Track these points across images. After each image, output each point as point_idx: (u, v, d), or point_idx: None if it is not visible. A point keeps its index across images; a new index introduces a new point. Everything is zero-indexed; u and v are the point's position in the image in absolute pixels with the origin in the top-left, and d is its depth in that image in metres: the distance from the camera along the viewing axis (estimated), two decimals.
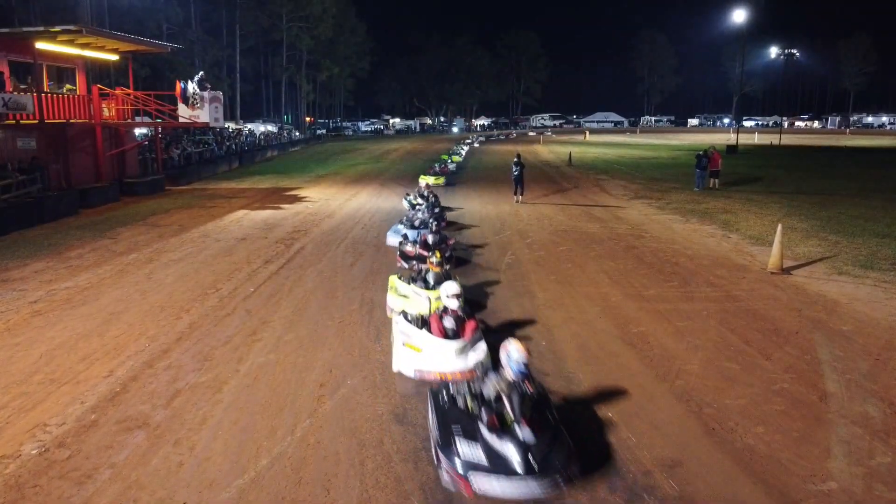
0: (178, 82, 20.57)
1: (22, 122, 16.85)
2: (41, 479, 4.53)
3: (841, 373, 6.32)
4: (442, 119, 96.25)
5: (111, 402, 5.74)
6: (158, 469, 4.67)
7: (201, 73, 21.99)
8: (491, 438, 4.45)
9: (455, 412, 4.83)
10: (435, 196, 15.64)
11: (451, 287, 6.72)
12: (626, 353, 6.94)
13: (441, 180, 23.75)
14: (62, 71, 20.11)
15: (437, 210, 14.49)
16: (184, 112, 20.21)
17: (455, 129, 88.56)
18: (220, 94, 21.14)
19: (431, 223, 11.87)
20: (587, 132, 71.28)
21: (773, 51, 66.72)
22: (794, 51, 63.76)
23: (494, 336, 7.36)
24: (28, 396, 5.84)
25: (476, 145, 51.46)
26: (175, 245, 12.68)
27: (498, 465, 4.29)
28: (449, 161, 30.67)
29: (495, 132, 71.71)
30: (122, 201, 19.06)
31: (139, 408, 5.63)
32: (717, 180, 21.99)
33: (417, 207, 14.56)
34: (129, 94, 21.20)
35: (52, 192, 16.79)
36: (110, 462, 4.75)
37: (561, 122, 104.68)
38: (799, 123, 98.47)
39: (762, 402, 5.70)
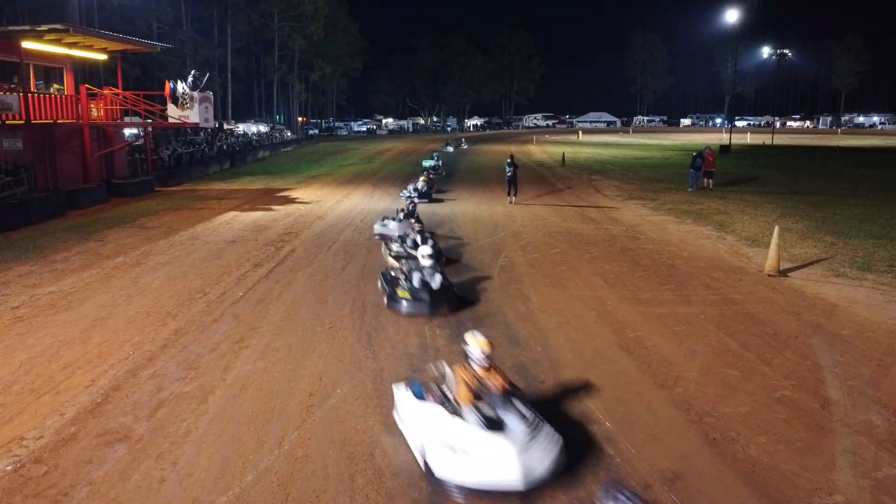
0: (167, 82, 20.30)
1: (8, 122, 16.57)
2: (15, 497, 4.33)
3: (843, 379, 6.19)
4: (435, 119, 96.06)
5: (92, 413, 5.54)
6: (139, 486, 4.47)
7: (194, 71, 21.69)
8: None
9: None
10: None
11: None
12: (623, 359, 6.79)
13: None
14: (49, 70, 19.80)
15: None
16: (173, 112, 19.95)
17: (450, 130, 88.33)
18: (210, 93, 20.88)
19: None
20: (580, 132, 71.35)
21: (766, 51, 66.84)
22: (786, 51, 63.83)
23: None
24: (5, 408, 5.63)
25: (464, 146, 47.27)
26: (163, 248, 12.45)
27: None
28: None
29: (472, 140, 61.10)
30: (110, 202, 18.77)
31: (121, 420, 5.42)
32: (711, 180, 21.93)
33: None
34: (117, 94, 20.91)
35: (38, 194, 16.53)
36: (89, 478, 4.55)
37: (554, 121, 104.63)
38: (791, 123, 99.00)
39: (763, 411, 5.56)
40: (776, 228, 10.66)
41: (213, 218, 16.13)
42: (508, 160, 19.06)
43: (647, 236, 13.61)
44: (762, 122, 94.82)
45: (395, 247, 11.27)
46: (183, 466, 4.70)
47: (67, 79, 20.08)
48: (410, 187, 19.85)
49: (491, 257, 11.67)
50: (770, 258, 10.34)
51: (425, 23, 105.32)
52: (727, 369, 6.47)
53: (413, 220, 12.26)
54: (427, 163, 28.58)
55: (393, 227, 12.98)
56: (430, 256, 8.84)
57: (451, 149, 43.37)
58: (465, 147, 47.26)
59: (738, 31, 54.70)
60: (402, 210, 13.82)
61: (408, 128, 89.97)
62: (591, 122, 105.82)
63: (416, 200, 17.76)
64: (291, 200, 19.69)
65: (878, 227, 14.29)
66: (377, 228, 13.39)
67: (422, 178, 20.36)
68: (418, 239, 10.92)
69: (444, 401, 4.88)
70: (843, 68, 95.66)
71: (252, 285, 9.68)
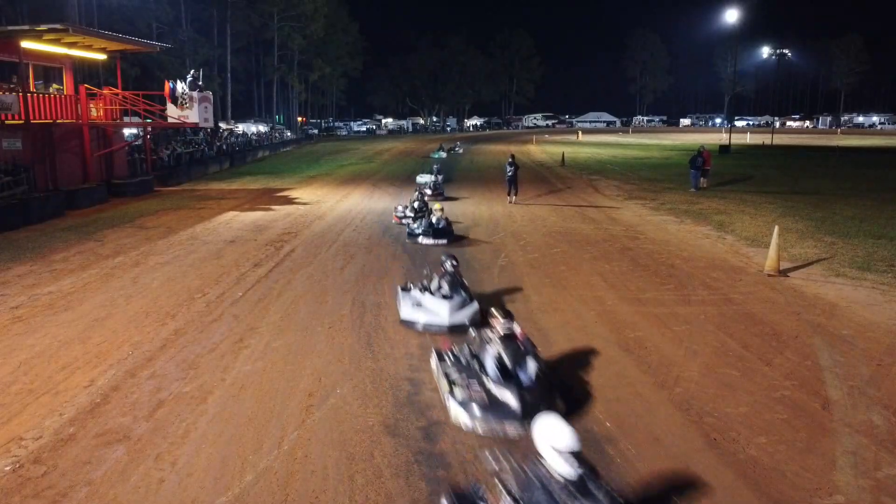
0: (166, 82, 20.31)
1: (7, 122, 16.56)
2: (13, 497, 4.32)
3: (843, 379, 6.18)
4: (435, 119, 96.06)
5: (91, 413, 5.52)
6: (138, 486, 4.46)
7: (193, 71, 21.69)
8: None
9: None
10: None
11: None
12: (623, 360, 6.78)
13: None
14: (49, 70, 19.79)
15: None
16: (173, 112, 19.96)
17: (450, 130, 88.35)
18: (209, 93, 20.89)
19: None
20: (580, 132, 71.37)
21: (765, 51, 66.80)
22: (785, 51, 63.81)
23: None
24: (4, 408, 5.62)
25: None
26: (162, 248, 12.44)
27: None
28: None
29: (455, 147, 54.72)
30: (110, 202, 18.75)
31: (120, 420, 5.41)
32: (706, 179, 22.03)
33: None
34: (117, 94, 20.91)
35: (37, 194, 16.51)
36: (88, 479, 4.54)
37: (554, 121, 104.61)
38: (790, 123, 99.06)
39: (764, 411, 5.55)
40: (776, 228, 10.66)
41: (212, 218, 16.12)
42: (509, 160, 19.05)
43: (647, 236, 13.60)
44: (762, 122, 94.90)
45: (454, 357, 5.92)
46: (182, 467, 4.69)
47: (67, 79, 20.07)
48: (419, 215, 14.24)
49: (491, 257, 11.65)
50: (770, 258, 10.33)
51: (425, 23, 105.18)
52: (727, 369, 6.46)
53: (496, 311, 6.04)
54: (423, 178, 21.25)
55: (442, 313, 7.44)
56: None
57: (443, 154, 38.00)
58: (461, 151, 41.94)
59: (737, 31, 54.73)
60: (444, 272, 7.89)
61: (407, 128, 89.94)
62: (590, 121, 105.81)
63: (443, 246, 12.38)
64: (291, 200, 19.67)
65: (878, 227, 14.28)
66: (410, 316, 7.64)
67: (436, 208, 13.33)
68: (506, 357, 5.54)
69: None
70: (843, 68, 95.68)
71: (251, 285, 9.67)
